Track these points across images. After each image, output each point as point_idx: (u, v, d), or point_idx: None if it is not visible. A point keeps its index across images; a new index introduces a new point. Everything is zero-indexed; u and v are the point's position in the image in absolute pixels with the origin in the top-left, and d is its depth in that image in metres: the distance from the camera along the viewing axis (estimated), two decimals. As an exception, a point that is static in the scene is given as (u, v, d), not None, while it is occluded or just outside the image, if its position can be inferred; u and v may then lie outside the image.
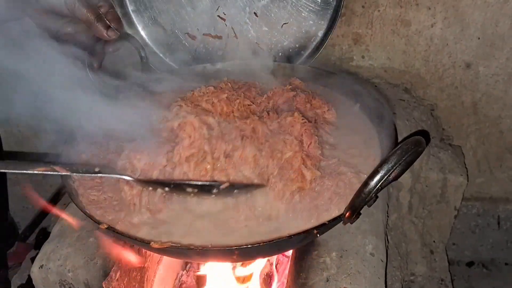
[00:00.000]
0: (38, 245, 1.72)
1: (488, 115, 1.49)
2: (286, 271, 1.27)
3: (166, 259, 1.22)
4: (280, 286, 1.25)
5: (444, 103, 1.49)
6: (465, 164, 1.39)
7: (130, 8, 1.36)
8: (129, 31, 1.34)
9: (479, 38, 1.37)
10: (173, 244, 0.77)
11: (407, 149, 0.73)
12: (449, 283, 1.45)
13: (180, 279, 1.30)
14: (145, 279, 1.12)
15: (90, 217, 0.82)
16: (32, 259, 1.64)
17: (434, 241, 1.47)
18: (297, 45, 1.34)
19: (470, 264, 1.83)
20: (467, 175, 1.33)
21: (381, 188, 0.75)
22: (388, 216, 1.19)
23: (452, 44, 1.38)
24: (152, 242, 0.76)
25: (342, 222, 0.80)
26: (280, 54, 1.36)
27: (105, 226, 0.79)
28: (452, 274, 1.50)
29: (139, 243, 0.80)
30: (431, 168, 1.34)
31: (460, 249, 1.81)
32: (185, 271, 1.31)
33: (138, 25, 1.38)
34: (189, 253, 0.81)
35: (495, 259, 1.82)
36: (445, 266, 1.47)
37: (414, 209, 1.38)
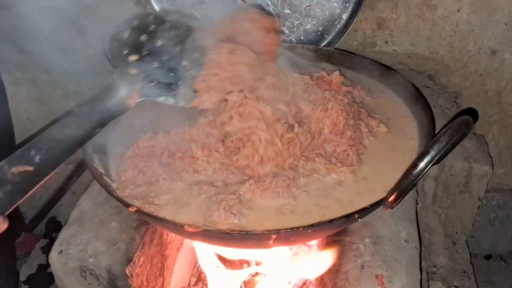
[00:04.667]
0: (47, 235, 1.67)
1: (512, 104, 1.46)
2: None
3: (185, 247, 1.18)
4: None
5: (468, 91, 1.45)
6: (489, 154, 1.35)
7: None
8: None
9: (506, 24, 1.33)
10: (207, 228, 0.74)
11: (458, 129, 0.70)
12: (471, 275, 1.41)
13: (198, 268, 1.26)
14: (165, 266, 1.08)
15: (117, 198, 0.78)
16: (42, 249, 1.60)
17: (456, 232, 1.43)
18: (320, 29, 1.30)
19: (488, 257, 1.80)
20: (492, 164, 1.29)
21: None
22: (417, 204, 1.16)
23: (478, 30, 1.35)
24: (186, 226, 0.72)
25: (383, 206, 0.76)
26: (302, 37, 1.32)
27: (134, 208, 0.75)
28: (470, 267, 1.46)
29: (172, 227, 0.76)
30: (456, 157, 1.30)
31: (478, 242, 1.77)
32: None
33: (155, 5, 1.33)
34: (223, 238, 0.77)
35: (514, 252, 1.79)
36: (467, 258, 1.43)
37: (438, 199, 1.35)
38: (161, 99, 0.85)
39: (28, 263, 1.57)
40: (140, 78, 0.84)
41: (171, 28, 0.94)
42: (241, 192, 0.79)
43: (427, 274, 1.28)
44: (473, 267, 1.44)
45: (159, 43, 0.90)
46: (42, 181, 0.70)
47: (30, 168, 0.68)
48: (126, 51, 0.87)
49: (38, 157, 0.69)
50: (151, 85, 0.84)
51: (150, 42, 0.90)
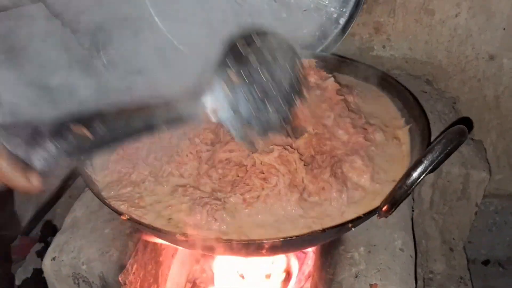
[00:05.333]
0: (43, 238, 1.67)
1: (510, 109, 1.45)
2: (304, 267, 1.22)
3: (180, 254, 1.18)
4: (297, 283, 1.20)
5: (466, 96, 1.45)
6: (487, 159, 1.35)
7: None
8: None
9: (504, 29, 1.32)
10: (199, 237, 0.73)
11: (452, 138, 0.70)
12: (468, 281, 1.40)
13: (193, 274, 1.25)
14: (160, 273, 1.08)
15: (109, 206, 0.77)
16: (38, 253, 1.60)
17: (453, 238, 1.43)
18: (317, 33, 1.29)
19: (486, 262, 1.79)
20: (490, 170, 1.29)
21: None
22: (413, 211, 1.15)
23: (476, 35, 1.34)
24: (178, 235, 0.71)
25: (377, 215, 0.75)
26: (299, 42, 1.31)
27: (127, 217, 0.75)
28: (468, 272, 1.46)
29: (163, 236, 0.75)
30: (453, 163, 1.29)
31: (476, 247, 1.76)
32: (198, 266, 1.27)
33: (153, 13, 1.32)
34: (215, 247, 0.77)
35: (512, 258, 1.78)
36: (464, 264, 1.42)
37: (435, 205, 1.34)
38: (232, 130, 0.81)
39: (23, 267, 1.57)
40: (227, 100, 0.80)
41: (284, 70, 0.86)
42: (227, 200, 0.79)
43: (424, 281, 1.28)
44: (470, 273, 1.43)
45: (263, 76, 0.82)
46: (85, 156, 0.70)
47: (89, 136, 0.66)
48: (231, 63, 0.81)
49: (100, 130, 0.68)
50: (232, 113, 0.81)
51: (257, 72, 0.82)
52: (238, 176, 0.82)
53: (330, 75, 1.02)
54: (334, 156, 0.87)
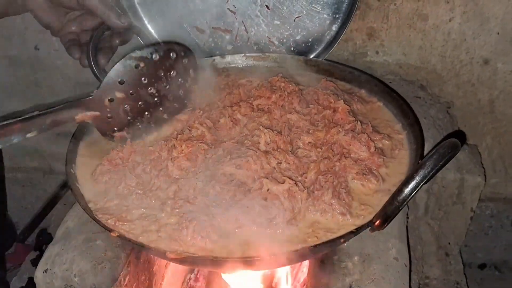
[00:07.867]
0: (38, 247, 1.66)
1: (505, 113, 1.45)
2: (299, 274, 1.22)
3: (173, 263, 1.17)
4: (292, 290, 1.20)
5: (460, 100, 1.44)
6: (482, 164, 1.34)
7: (136, 0, 1.30)
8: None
9: (498, 33, 1.32)
10: (190, 255, 0.73)
11: (444, 153, 0.69)
12: (464, 286, 1.40)
13: (188, 282, 1.24)
14: (153, 283, 1.07)
15: (99, 223, 0.77)
16: (32, 261, 1.59)
17: (449, 243, 1.42)
18: (310, 40, 1.29)
19: (482, 266, 1.79)
20: (485, 175, 1.28)
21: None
22: (408, 217, 1.15)
23: (470, 39, 1.34)
24: (168, 252, 0.71)
25: (369, 229, 0.75)
26: (292, 48, 1.31)
27: (116, 234, 0.75)
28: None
29: (154, 253, 0.75)
30: (448, 168, 1.29)
31: (472, 251, 1.76)
32: (193, 274, 1.26)
33: (144, 18, 1.32)
34: (207, 263, 0.76)
35: (508, 261, 1.78)
36: (460, 269, 1.42)
37: (430, 210, 1.34)
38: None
39: (18, 276, 1.56)
40: (104, 111, 0.90)
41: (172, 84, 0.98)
42: (218, 217, 0.78)
43: (419, 286, 1.27)
44: (466, 278, 1.43)
45: (150, 90, 0.95)
46: None
47: None
48: (121, 80, 0.90)
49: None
50: (106, 120, 0.91)
51: (144, 89, 0.94)
52: (235, 196, 0.80)
53: (340, 99, 1.02)
54: (340, 176, 0.86)
